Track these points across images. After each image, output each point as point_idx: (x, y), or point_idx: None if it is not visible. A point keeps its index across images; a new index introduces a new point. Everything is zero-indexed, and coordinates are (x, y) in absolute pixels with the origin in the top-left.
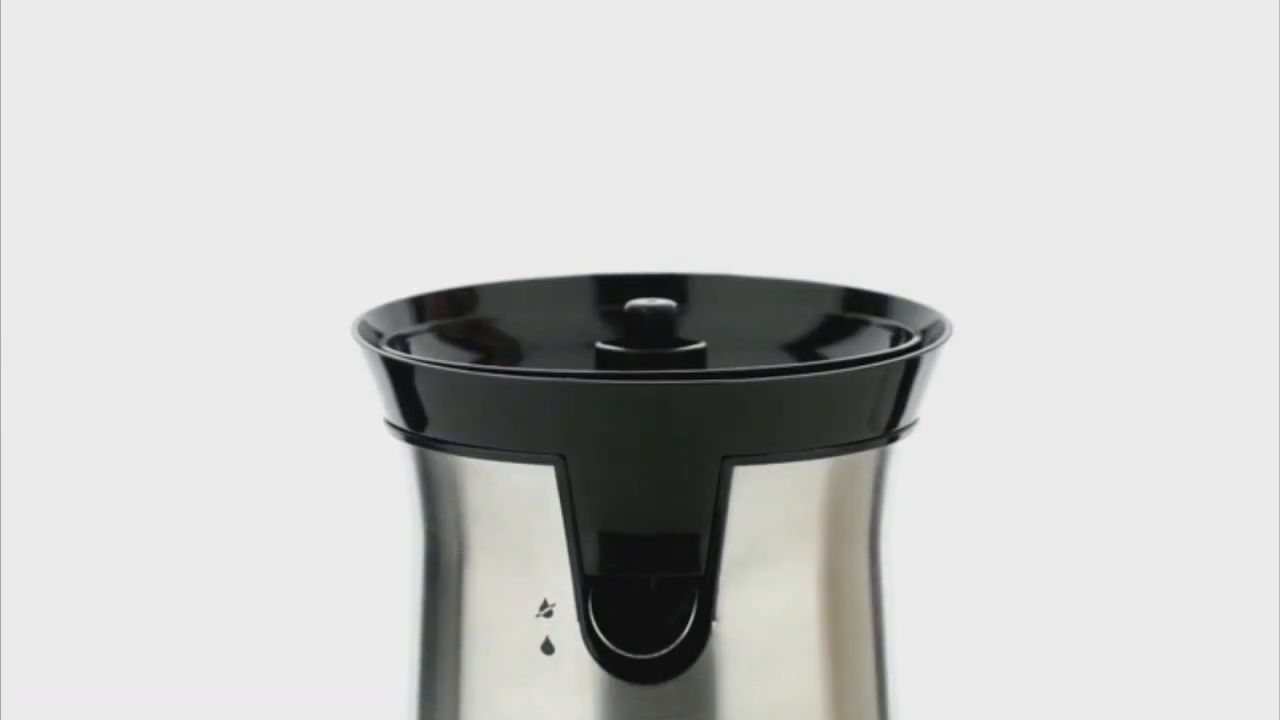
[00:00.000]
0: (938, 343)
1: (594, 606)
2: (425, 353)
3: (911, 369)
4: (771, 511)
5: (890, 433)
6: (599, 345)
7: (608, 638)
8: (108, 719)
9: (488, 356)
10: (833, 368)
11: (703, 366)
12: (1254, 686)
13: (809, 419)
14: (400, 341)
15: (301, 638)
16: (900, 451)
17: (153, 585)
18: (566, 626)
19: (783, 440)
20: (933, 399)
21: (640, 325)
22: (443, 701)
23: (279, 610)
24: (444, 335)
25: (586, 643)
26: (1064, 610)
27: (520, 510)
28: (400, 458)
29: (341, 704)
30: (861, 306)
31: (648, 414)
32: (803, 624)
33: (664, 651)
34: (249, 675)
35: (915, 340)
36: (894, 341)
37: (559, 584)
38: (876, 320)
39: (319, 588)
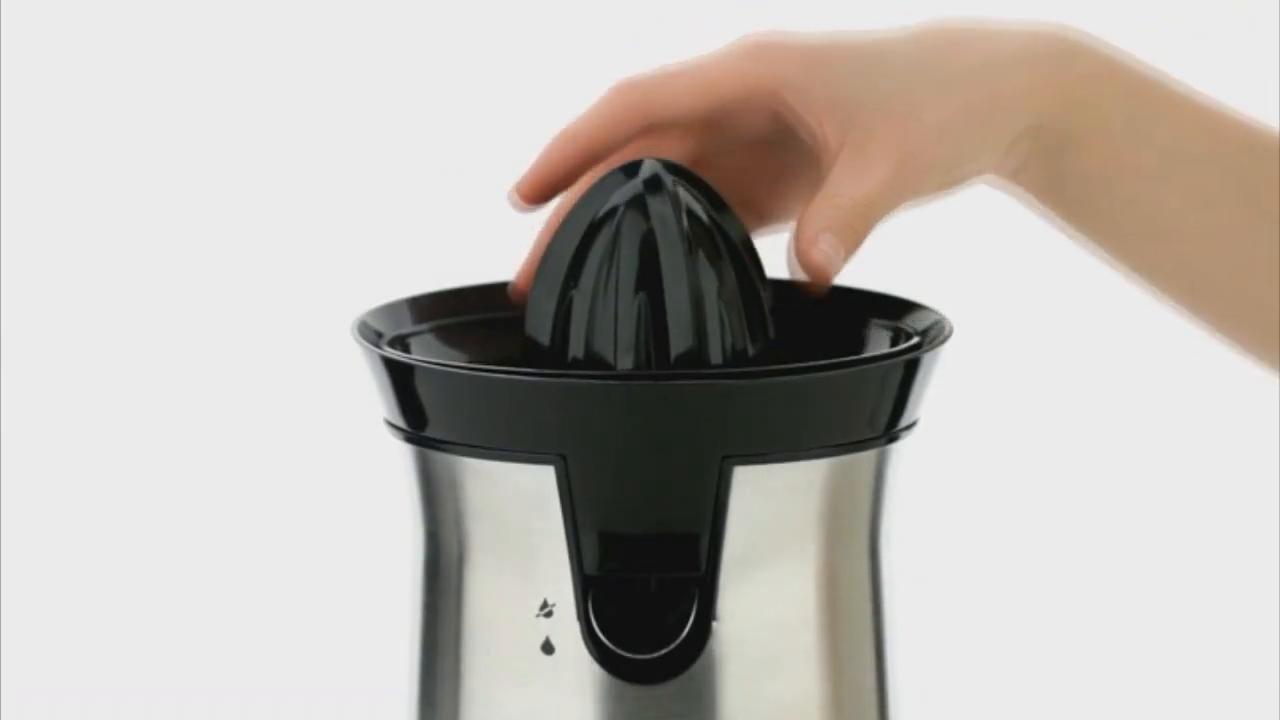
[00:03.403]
0: (937, 342)
1: (594, 606)
2: (425, 353)
3: (911, 369)
4: (771, 511)
5: (890, 433)
6: None
7: (608, 638)
8: (108, 718)
9: (488, 357)
10: (833, 368)
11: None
12: (1253, 692)
13: (809, 419)
14: (400, 341)
15: (302, 638)
16: (900, 451)
17: (152, 585)
18: (566, 626)
19: (782, 440)
20: (932, 399)
21: None
22: (443, 703)
23: (279, 610)
24: (444, 335)
25: (586, 643)
26: (1063, 609)
27: (520, 510)
28: (400, 458)
29: (341, 704)
30: (862, 307)
31: (647, 414)
32: (803, 623)
33: (664, 651)
34: (249, 675)
35: (915, 340)
36: (894, 342)
37: (559, 584)
38: (876, 320)
39: (319, 588)
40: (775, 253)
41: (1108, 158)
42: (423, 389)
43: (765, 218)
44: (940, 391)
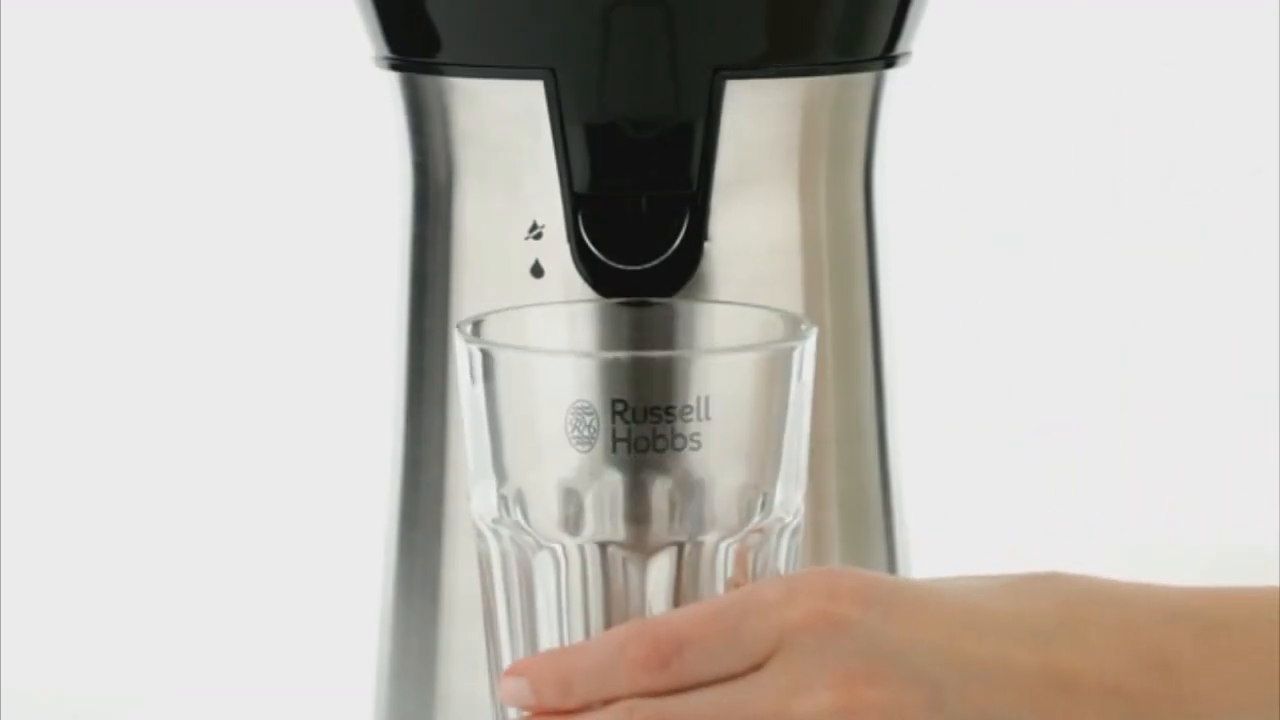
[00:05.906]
0: None
1: (584, 226)
2: None
3: None
4: (765, 129)
5: (886, 57)
6: None
7: (599, 254)
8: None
9: None
10: None
11: None
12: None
13: (801, 33)
14: None
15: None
16: (895, 83)
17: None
18: (556, 248)
19: (775, 55)
20: (927, 32)
21: None
22: (432, 335)
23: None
24: None
25: (577, 263)
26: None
27: (509, 131)
28: (389, 95)
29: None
30: None
31: (637, 23)
32: (796, 248)
33: (655, 263)
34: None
35: None
36: None
37: (549, 205)
38: None
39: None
40: None
41: None
42: (411, 6)
43: None
44: (935, 30)
